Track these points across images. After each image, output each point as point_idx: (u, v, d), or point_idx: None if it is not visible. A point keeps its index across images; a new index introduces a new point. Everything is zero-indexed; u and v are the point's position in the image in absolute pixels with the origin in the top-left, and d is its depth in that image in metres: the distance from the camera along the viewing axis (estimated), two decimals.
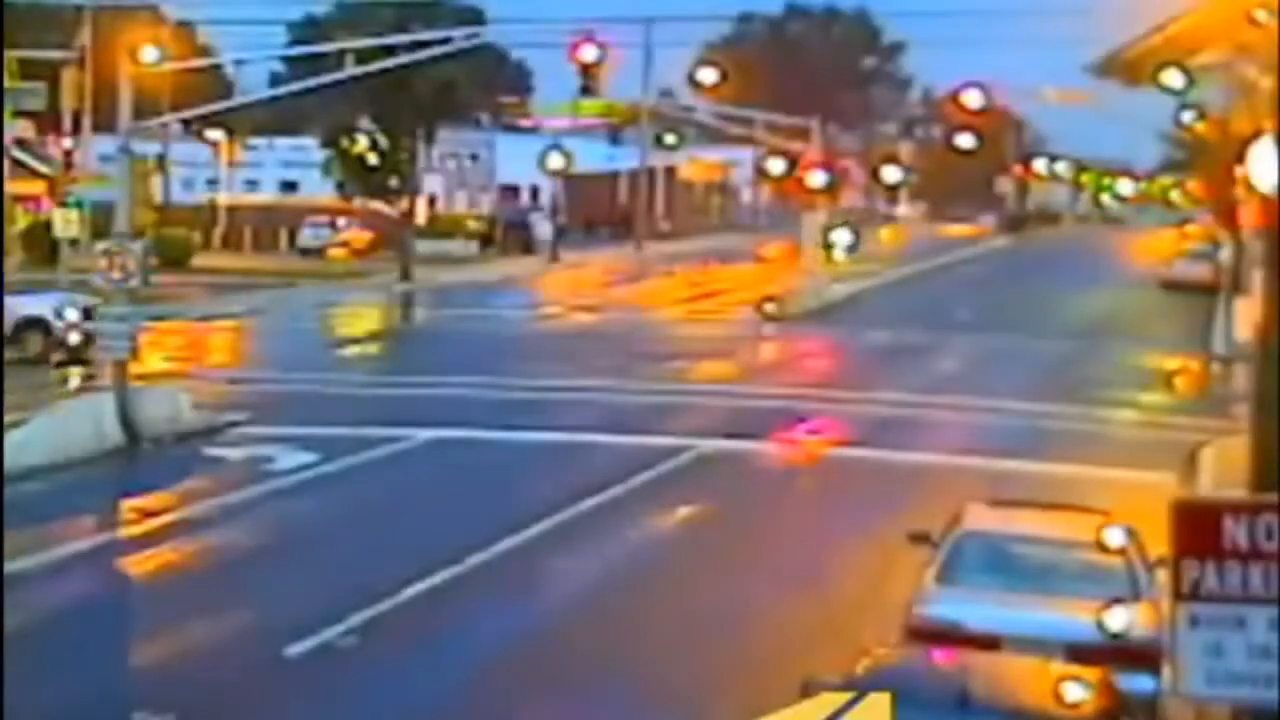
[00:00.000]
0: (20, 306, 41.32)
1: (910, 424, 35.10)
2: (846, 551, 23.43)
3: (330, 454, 29.62)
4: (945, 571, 17.02)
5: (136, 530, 24.48)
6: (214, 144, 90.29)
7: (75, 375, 38.73)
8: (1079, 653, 14.64)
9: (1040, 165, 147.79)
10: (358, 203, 78.37)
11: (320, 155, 78.02)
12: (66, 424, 29.32)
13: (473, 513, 25.77)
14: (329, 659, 18.53)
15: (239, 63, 41.49)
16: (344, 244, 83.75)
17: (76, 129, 67.71)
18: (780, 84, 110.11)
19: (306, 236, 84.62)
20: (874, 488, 28.24)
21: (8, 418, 28.16)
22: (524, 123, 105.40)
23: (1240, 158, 16.72)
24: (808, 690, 11.81)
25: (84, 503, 26.24)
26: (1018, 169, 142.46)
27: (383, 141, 70.73)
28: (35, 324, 41.12)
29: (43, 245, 60.03)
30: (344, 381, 39.57)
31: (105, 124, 72.23)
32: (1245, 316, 40.96)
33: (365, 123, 70.46)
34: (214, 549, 23.71)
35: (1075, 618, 15.35)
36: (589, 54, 35.63)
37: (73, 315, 40.98)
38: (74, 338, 40.76)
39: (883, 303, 64.05)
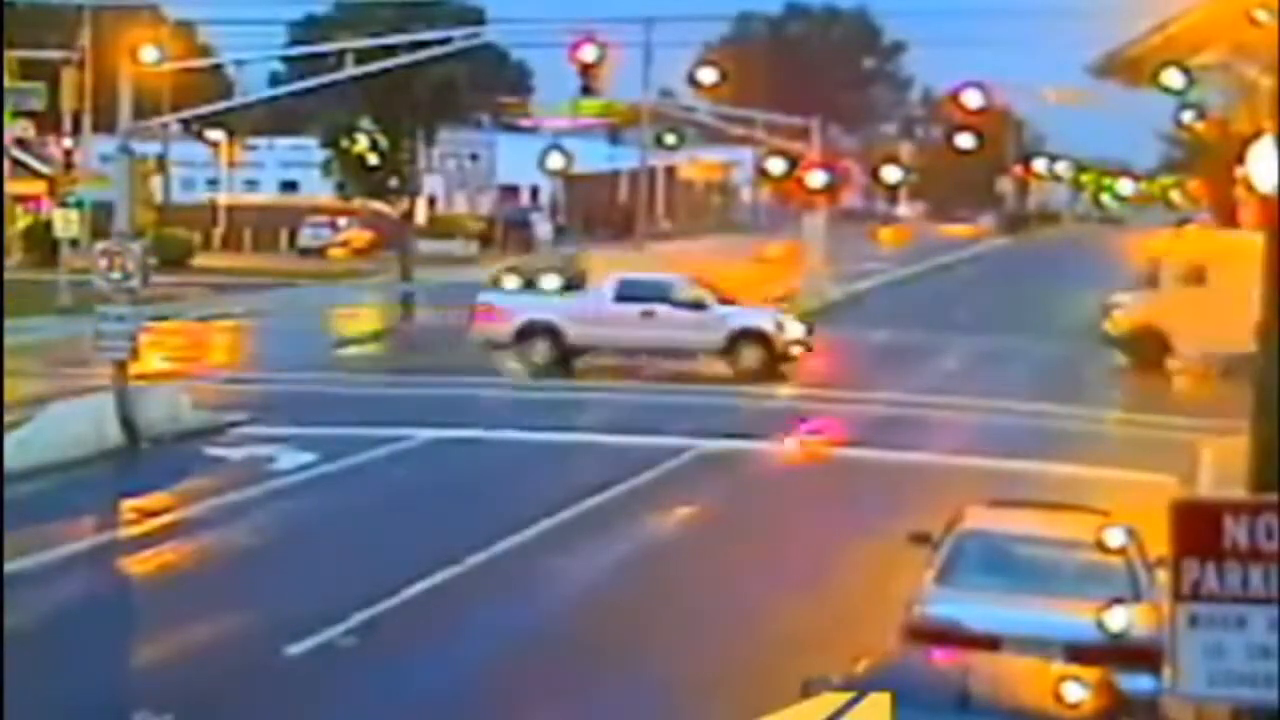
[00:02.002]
0: (739, 317, 40.89)
1: (911, 424, 35.10)
2: (847, 552, 23.41)
3: (330, 454, 29.62)
4: (945, 571, 17.02)
5: (136, 530, 24.47)
6: (214, 144, 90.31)
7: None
8: (1079, 653, 14.64)
9: (1040, 165, 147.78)
10: (358, 203, 78.37)
11: (320, 155, 78.00)
12: (66, 424, 29.31)
13: (473, 513, 25.77)
14: (329, 659, 18.52)
15: (239, 63, 41.41)
16: (344, 244, 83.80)
17: (76, 129, 67.70)
18: (780, 84, 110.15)
19: (306, 236, 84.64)
20: (875, 488, 28.22)
21: (8, 417, 28.18)
22: (524, 123, 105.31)
23: (1240, 158, 16.74)
24: (808, 690, 11.81)
25: (84, 503, 26.22)
26: (1018, 169, 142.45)
27: (383, 141, 70.68)
28: (754, 336, 40.55)
29: (43, 245, 60.09)
30: (344, 381, 39.58)
31: (105, 124, 72.18)
32: None
33: (365, 123, 70.41)
34: (214, 549, 23.70)
35: (1075, 618, 15.35)
36: (589, 54, 35.64)
37: (796, 329, 40.64)
38: (794, 350, 40.44)
39: (884, 303, 64.04)
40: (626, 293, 41.64)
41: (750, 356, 40.50)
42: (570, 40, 36.45)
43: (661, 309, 41.03)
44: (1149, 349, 43.67)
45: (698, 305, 41.15)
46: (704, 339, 40.84)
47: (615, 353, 42.03)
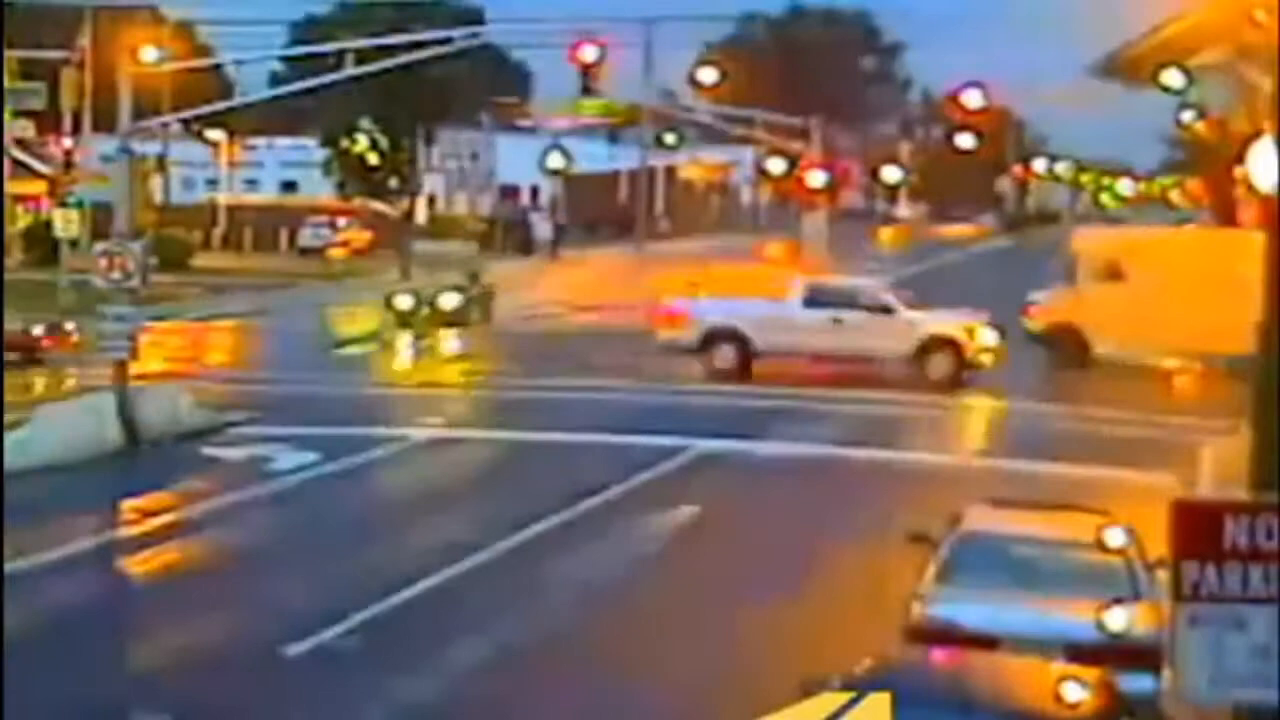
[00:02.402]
0: (929, 323, 40.07)
1: (911, 424, 35.12)
2: (847, 551, 23.39)
3: (330, 454, 29.62)
4: (945, 571, 17.02)
5: (136, 530, 24.47)
6: (214, 144, 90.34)
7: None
8: (1079, 653, 14.64)
9: (1040, 165, 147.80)
10: (358, 203, 78.47)
11: (320, 155, 78.10)
12: (66, 424, 29.31)
13: (472, 513, 25.78)
14: (329, 659, 18.52)
15: (239, 63, 41.48)
16: (344, 244, 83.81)
17: (76, 129, 67.73)
18: (780, 84, 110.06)
19: (306, 236, 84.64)
20: (875, 487, 28.22)
21: (8, 417, 28.18)
22: (524, 123, 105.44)
23: (1240, 158, 16.75)
24: (808, 690, 11.81)
25: (84, 502, 26.21)
26: (1018, 169, 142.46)
27: (383, 141, 70.82)
28: (945, 344, 39.59)
29: (43, 245, 60.08)
30: (344, 381, 39.56)
31: (105, 124, 72.40)
32: None
33: (365, 123, 70.54)
34: (214, 549, 23.70)
35: (1075, 618, 15.35)
36: (589, 54, 35.64)
37: (990, 337, 39.70)
38: (985, 359, 39.56)
39: None
40: (815, 298, 40.99)
41: (940, 364, 39.65)
42: (570, 40, 36.49)
43: (849, 314, 40.32)
44: (1067, 345, 43.85)
45: (886, 310, 40.41)
46: (892, 346, 39.91)
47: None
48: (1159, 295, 41.83)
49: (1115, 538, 16.76)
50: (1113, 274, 43.99)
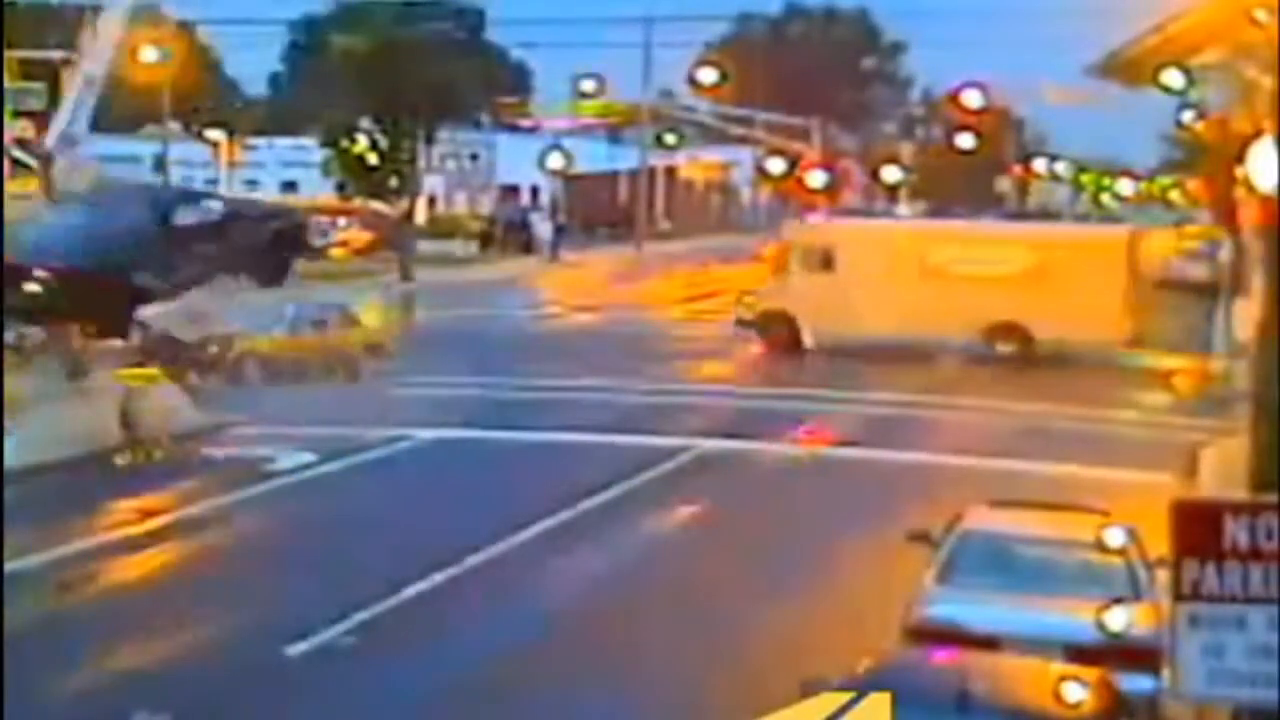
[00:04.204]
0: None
1: (911, 424, 35.12)
2: (848, 551, 23.41)
3: (330, 454, 29.63)
4: (945, 571, 17.03)
5: (135, 530, 24.47)
6: (214, 144, 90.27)
7: None
8: (1078, 653, 14.64)
9: (1040, 165, 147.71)
10: (358, 203, 78.39)
11: (320, 155, 78.02)
12: (66, 423, 29.29)
13: (472, 513, 25.75)
14: (329, 659, 18.52)
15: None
16: (344, 244, 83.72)
17: None
18: (780, 84, 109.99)
19: None
20: (875, 487, 28.23)
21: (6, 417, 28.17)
22: (524, 123, 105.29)
23: (1240, 158, 16.74)
24: (808, 690, 11.81)
25: (83, 502, 26.20)
26: (1018, 169, 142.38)
27: (383, 141, 70.72)
28: None
29: None
30: (343, 381, 39.53)
31: (105, 124, 72.36)
32: (1244, 316, 41.00)
33: (365, 123, 70.48)
34: (213, 549, 23.72)
35: (1075, 618, 15.34)
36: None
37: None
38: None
39: None
40: None
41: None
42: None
43: None
44: (778, 332, 46.04)
45: None
46: None
47: None
48: (864, 284, 44.48)
49: (1115, 538, 16.75)
50: (823, 264, 46.22)
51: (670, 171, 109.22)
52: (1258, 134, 14.12)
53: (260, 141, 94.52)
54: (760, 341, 46.68)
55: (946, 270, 45.23)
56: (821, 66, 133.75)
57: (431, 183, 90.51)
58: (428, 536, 23.76)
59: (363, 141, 70.79)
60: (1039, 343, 44.65)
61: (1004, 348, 44.88)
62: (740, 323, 47.76)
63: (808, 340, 45.97)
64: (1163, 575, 12.43)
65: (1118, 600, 15.27)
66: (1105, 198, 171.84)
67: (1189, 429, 32.47)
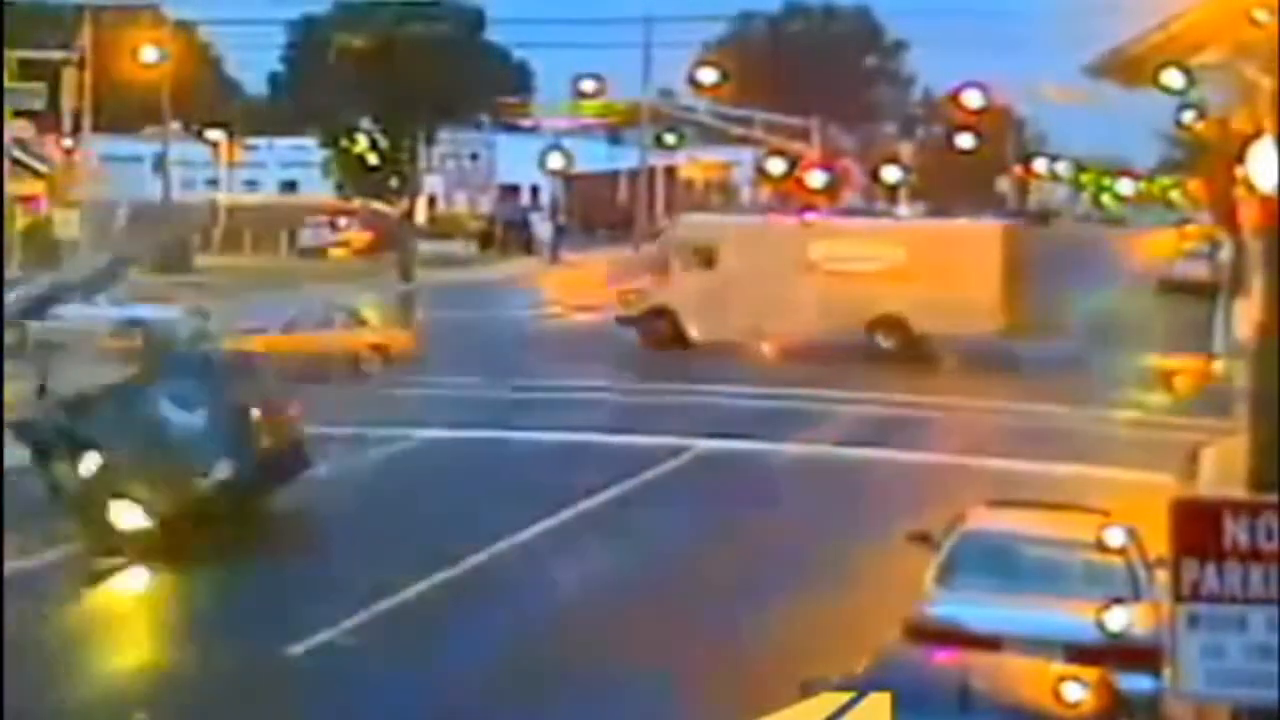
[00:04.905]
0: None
1: (911, 424, 35.12)
2: (848, 551, 23.41)
3: (329, 454, 29.59)
4: (946, 571, 17.04)
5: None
6: (214, 144, 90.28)
7: None
8: (1079, 653, 14.65)
9: (1040, 165, 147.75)
10: (358, 203, 78.43)
11: (320, 155, 78.06)
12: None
13: (472, 513, 25.75)
14: (330, 658, 18.53)
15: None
16: (344, 244, 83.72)
17: (77, 129, 67.73)
18: (780, 84, 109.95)
19: (306, 236, 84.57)
20: (875, 487, 28.24)
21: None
22: (524, 123, 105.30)
23: (1240, 158, 16.74)
24: (808, 690, 11.81)
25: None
26: (1018, 169, 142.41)
27: (383, 141, 70.75)
28: None
29: (43, 245, 60.05)
30: (343, 381, 39.52)
31: (105, 124, 72.50)
32: (1244, 316, 41.04)
33: (365, 123, 70.50)
34: (212, 548, 23.70)
35: (1075, 618, 15.35)
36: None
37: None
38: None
39: None
40: None
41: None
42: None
43: None
44: (660, 328, 46.54)
45: None
46: None
47: None
48: (743, 281, 45.09)
49: (1115, 538, 16.77)
50: (705, 261, 46.68)
51: (670, 171, 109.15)
52: (1258, 134, 14.12)
53: (260, 142, 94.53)
54: (641, 338, 46.90)
55: (823, 266, 45.75)
56: (821, 66, 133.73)
57: (431, 183, 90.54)
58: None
59: (363, 141, 70.82)
60: (918, 336, 45.03)
61: (885, 342, 45.25)
62: (621, 320, 48.04)
63: (694, 334, 46.27)
64: (1162, 575, 12.43)
65: (1118, 600, 15.29)
66: (1105, 198, 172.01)
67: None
